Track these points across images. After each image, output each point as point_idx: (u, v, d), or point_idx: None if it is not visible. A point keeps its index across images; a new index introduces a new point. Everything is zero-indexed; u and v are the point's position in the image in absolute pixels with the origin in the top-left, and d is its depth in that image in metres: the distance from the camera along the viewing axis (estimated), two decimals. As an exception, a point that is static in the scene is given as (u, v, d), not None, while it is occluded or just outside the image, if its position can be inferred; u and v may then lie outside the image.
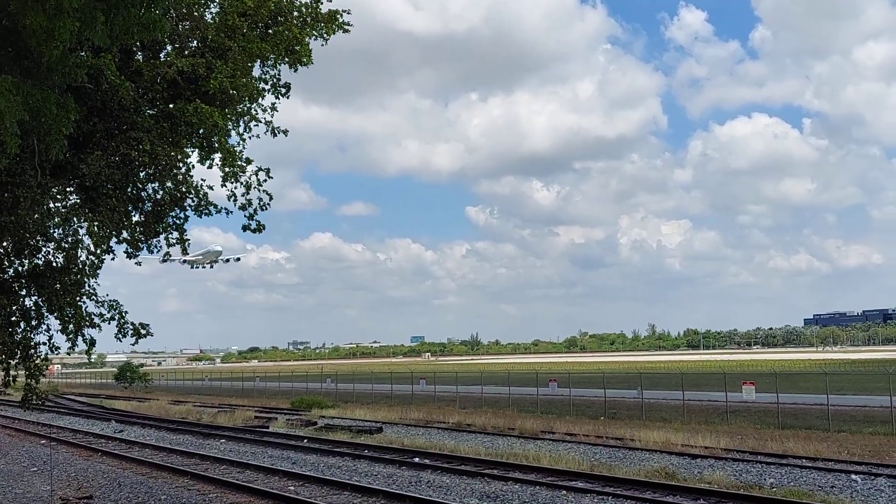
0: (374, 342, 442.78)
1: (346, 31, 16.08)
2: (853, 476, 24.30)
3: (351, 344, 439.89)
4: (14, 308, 16.45)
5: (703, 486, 22.58)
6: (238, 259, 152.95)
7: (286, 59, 15.59)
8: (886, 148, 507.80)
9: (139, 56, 15.01)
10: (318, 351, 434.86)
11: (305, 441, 36.76)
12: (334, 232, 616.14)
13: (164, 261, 17.02)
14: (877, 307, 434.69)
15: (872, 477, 24.15)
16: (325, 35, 15.94)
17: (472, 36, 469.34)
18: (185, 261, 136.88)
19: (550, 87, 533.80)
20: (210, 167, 15.53)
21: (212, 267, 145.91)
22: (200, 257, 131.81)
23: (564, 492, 22.30)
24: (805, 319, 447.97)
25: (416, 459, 29.46)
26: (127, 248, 16.17)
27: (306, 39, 15.61)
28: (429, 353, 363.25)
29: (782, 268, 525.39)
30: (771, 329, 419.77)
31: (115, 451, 33.97)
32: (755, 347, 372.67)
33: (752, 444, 32.41)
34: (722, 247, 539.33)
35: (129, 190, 15.53)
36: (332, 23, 15.87)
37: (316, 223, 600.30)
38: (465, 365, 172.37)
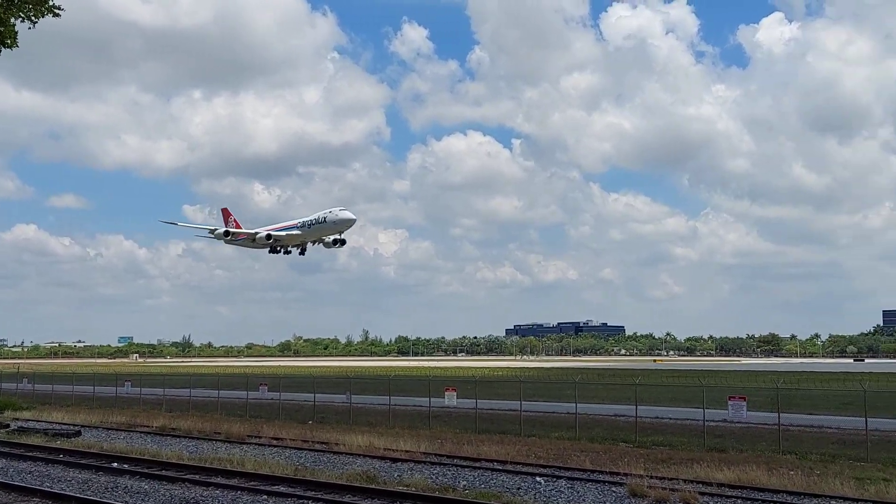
0: (79, 342, 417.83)
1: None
2: (538, 478, 26.24)
3: (53, 343, 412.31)
4: None
5: (402, 489, 23.49)
6: None
7: (-11, 41, 14.67)
8: (585, 172, 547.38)
9: None
10: (15, 349, 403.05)
11: (-9, 446, 34.26)
12: (40, 224, 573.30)
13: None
14: (571, 320, 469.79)
15: (555, 479, 26.21)
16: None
17: (200, 33, 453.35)
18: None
19: (278, 90, 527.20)
20: None
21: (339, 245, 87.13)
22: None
23: (265, 496, 22.43)
24: (507, 329, 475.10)
25: (115, 464, 28.47)
26: None
27: (11, 20, 14.76)
28: (137, 355, 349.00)
29: (489, 279, 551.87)
30: (476, 338, 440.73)
31: None
32: (460, 355, 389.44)
33: (450, 448, 34.02)
34: (435, 257, 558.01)
35: None
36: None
37: (20, 214, 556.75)
38: (174, 367, 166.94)
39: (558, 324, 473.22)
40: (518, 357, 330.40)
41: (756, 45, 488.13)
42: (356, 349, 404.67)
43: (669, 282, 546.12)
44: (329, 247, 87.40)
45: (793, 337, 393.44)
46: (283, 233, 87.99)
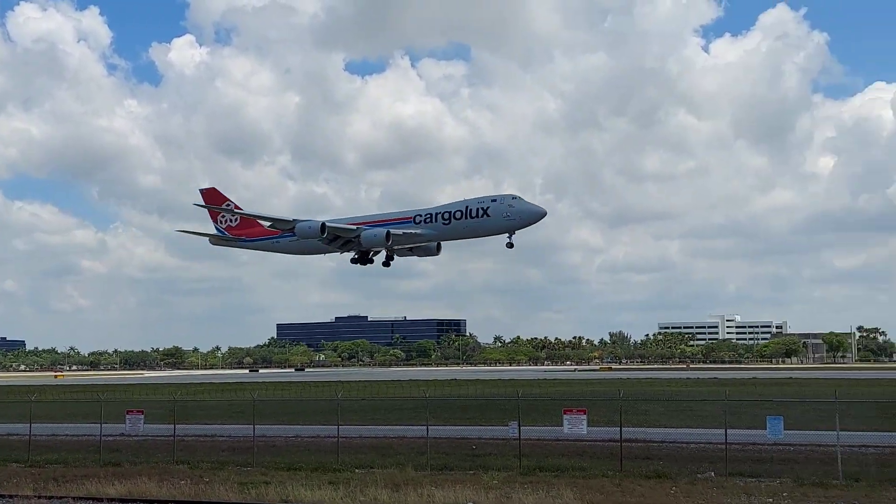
0: None
1: None
2: None
3: None
4: None
5: None
6: None
7: None
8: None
9: None
10: None
11: None
12: None
13: None
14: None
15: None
16: None
17: None
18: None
19: None
20: None
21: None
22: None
23: None
24: None
25: None
26: None
27: None
28: None
29: None
30: None
31: None
32: None
33: None
34: None
35: None
36: None
37: None
38: None
39: None
40: None
41: (168, 65, 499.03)
42: None
43: (76, 294, 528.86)
44: (431, 254, 62.08)
45: (195, 349, 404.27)
46: (399, 230, 58.57)
